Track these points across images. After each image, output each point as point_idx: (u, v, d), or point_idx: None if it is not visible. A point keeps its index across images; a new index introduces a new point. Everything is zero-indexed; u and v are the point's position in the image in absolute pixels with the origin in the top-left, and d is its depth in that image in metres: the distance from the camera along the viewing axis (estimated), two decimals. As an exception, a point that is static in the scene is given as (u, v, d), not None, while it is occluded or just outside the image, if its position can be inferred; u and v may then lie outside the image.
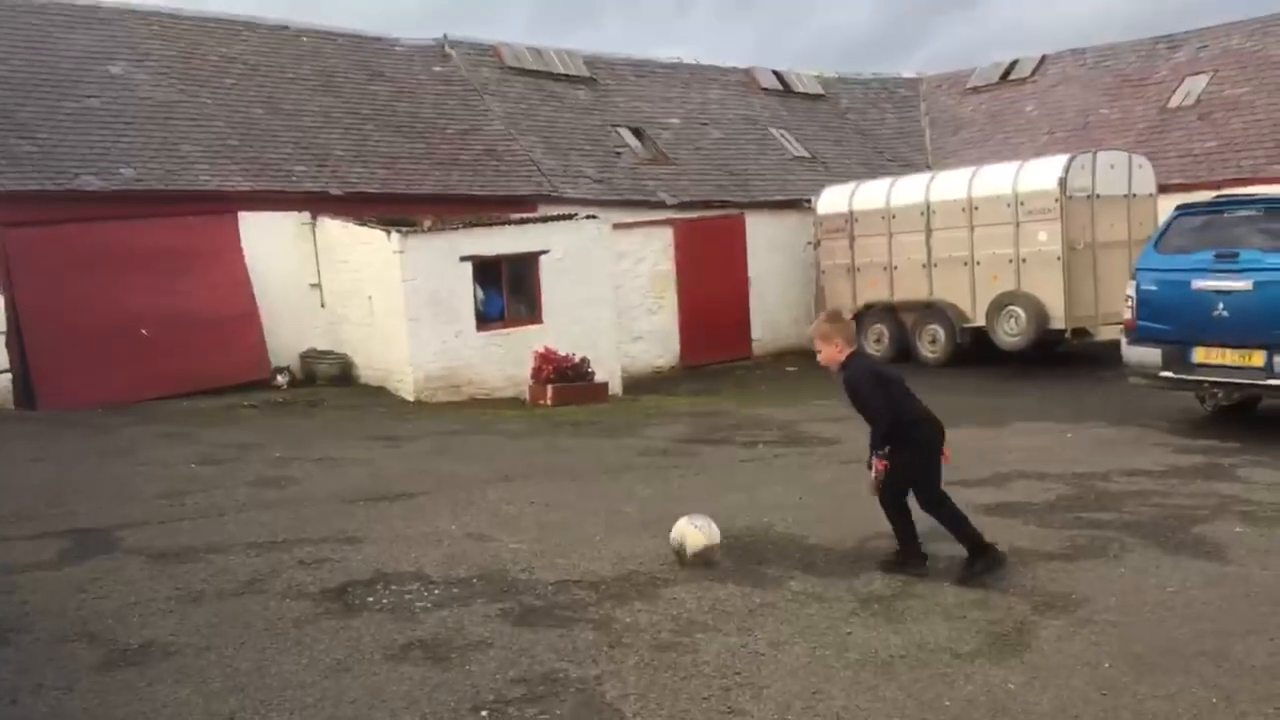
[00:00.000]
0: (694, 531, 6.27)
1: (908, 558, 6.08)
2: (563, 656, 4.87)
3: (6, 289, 13.57)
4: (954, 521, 6.01)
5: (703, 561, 6.21)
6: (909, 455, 5.96)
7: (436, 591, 5.85)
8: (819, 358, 6.13)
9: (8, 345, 13.54)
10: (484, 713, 4.27)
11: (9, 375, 13.49)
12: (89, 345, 13.77)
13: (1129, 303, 11.02)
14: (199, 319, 14.62)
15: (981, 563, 5.90)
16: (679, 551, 6.28)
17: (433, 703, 4.37)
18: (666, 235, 19.11)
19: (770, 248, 20.17)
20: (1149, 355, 10.75)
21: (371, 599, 5.75)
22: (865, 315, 18.50)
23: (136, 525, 7.45)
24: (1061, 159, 16.64)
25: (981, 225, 17.00)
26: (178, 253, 14.70)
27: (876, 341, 18.42)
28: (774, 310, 20.09)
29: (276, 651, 4.97)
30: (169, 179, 15.22)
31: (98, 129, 15.27)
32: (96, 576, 6.20)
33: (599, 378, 15.15)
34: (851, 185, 19.30)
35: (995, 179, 17.05)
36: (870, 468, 6.00)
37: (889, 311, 18.26)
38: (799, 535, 6.90)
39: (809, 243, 19.76)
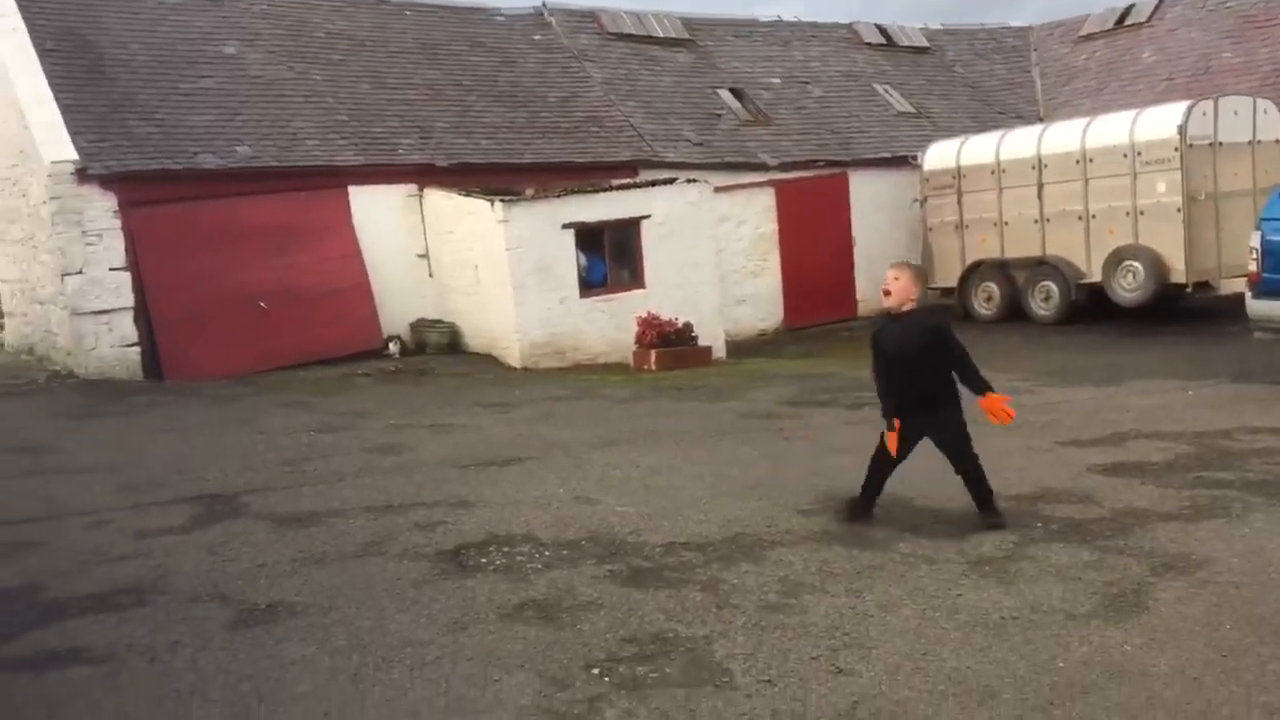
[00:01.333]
0: None
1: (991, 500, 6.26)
2: (672, 617, 4.94)
3: (133, 266, 14.14)
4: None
5: None
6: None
7: (547, 553, 5.98)
8: (893, 288, 6.12)
9: (135, 320, 14.14)
10: (596, 670, 4.37)
11: (138, 349, 14.09)
12: (210, 319, 14.30)
13: (1253, 254, 10.58)
14: (313, 292, 15.04)
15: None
16: None
17: (547, 660, 4.48)
18: (768, 197, 18.94)
19: (874, 206, 19.83)
20: (1275, 309, 10.32)
21: (485, 560, 5.90)
22: (974, 273, 18.13)
23: (260, 491, 7.75)
24: (1181, 106, 15.99)
25: (1096, 178, 16.46)
26: (292, 227, 15.13)
27: (987, 300, 18.03)
28: (879, 270, 19.67)
29: (396, 610, 5.15)
30: (283, 155, 15.65)
31: (213, 108, 15.75)
32: (225, 540, 6.48)
33: (702, 342, 15.16)
34: (959, 140, 18.85)
35: (1111, 129, 16.46)
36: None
37: (999, 269, 17.84)
38: (906, 497, 6.83)
39: (915, 200, 19.37)
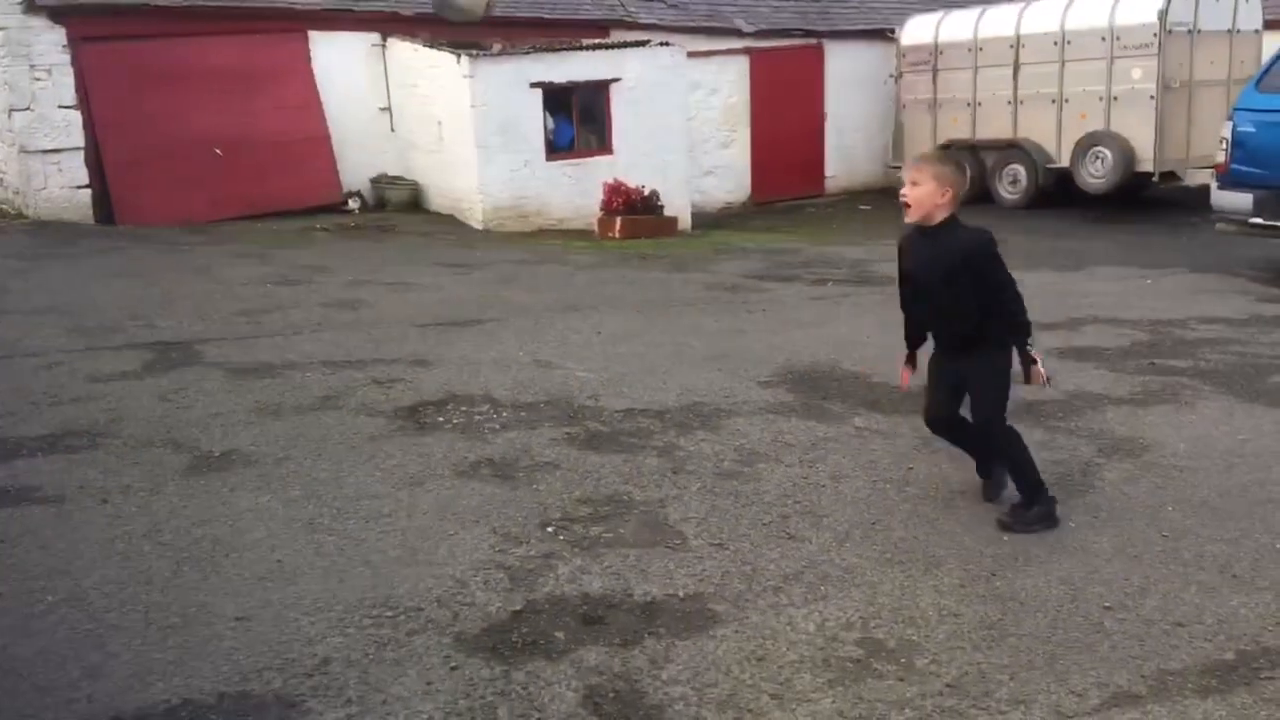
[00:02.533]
0: None
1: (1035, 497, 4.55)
2: (627, 480, 4.98)
3: (84, 105, 13.66)
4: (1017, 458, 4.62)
5: None
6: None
7: (504, 414, 5.98)
8: (910, 198, 4.39)
9: (86, 161, 13.72)
10: (550, 528, 4.41)
11: (89, 191, 13.72)
12: (164, 164, 13.90)
13: (1223, 145, 10.55)
14: (270, 140, 14.64)
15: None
16: None
17: (502, 517, 4.51)
18: (742, 65, 18.54)
19: (849, 81, 19.50)
20: (1240, 200, 10.35)
21: (442, 419, 5.89)
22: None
23: (215, 340, 7.65)
24: (1163, -11, 15.71)
25: (1073, 60, 16.25)
26: (249, 72, 14.63)
27: (953, 181, 17.94)
28: (850, 147, 19.57)
29: (352, 464, 5.15)
30: (240, -4, 15.02)
31: (167, -58, 15.00)
32: (179, 387, 6.42)
33: (668, 212, 15.00)
34: (939, 14, 18.45)
35: (1091, 11, 16.17)
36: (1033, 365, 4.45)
37: (969, 151, 17.65)
38: (865, 374, 6.89)
39: (890, 76, 19.08)
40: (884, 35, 19.44)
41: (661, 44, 16.18)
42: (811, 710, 3.13)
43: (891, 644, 3.50)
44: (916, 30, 18.42)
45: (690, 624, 3.61)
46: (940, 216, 4.41)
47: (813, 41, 19.35)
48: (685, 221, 15.64)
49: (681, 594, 3.84)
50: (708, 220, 16.60)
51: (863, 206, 18.29)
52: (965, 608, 3.74)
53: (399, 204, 15.70)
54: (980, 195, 17.38)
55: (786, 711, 3.12)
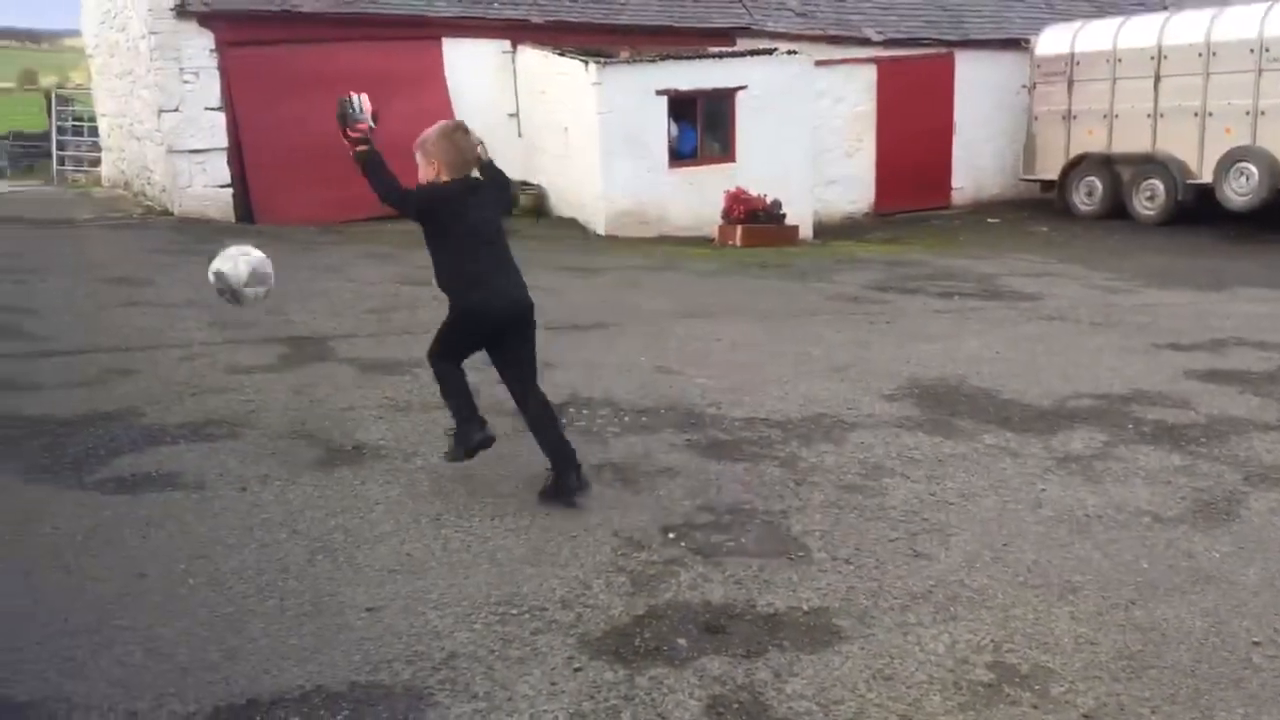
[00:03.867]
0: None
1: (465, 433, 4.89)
2: (749, 489, 4.94)
3: (228, 107, 14.21)
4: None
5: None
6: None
7: (626, 418, 6.00)
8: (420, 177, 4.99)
9: (229, 161, 14.27)
10: (672, 535, 4.40)
11: (230, 190, 14.26)
12: (301, 165, 14.35)
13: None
14: (403, 144, 14.92)
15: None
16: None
17: (623, 522, 4.52)
18: (869, 74, 18.31)
19: (980, 90, 19.07)
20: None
21: (565, 421, 5.90)
22: (1077, 167, 17.48)
23: (347, 337, 7.87)
24: (1319, 0, 15.00)
25: (1218, 73, 15.61)
26: (385, 77, 14.94)
27: (1088, 195, 17.42)
28: (979, 158, 19.14)
29: (477, 461, 5.20)
30: (379, 3, 15.45)
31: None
32: (313, 382, 6.61)
33: (790, 220, 14.89)
34: (1076, 24, 17.96)
35: (1239, 22, 15.52)
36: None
37: (1104, 164, 17.17)
38: (994, 390, 6.72)
39: (1023, 86, 18.61)
40: (1018, 45, 18.99)
41: (789, 52, 16.09)
42: (941, 733, 3.05)
43: (1025, 669, 3.39)
44: (1052, 40, 17.94)
45: (815, 638, 3.56)
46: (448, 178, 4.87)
47: (943, 50, 19.00)
48: (807, 231, 15.51)
49: (805, 607, 3.79)
50: (829, 230, 16.43)
51: (991, 220, 17.88)
52: (1103, 636, 3.60)
53: (524, 208, 15.90)
54: (1115, 210, 16.86)
55: (915, 733, 3.05)
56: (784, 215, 14.74)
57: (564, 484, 4.71)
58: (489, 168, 5.16)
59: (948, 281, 11.38)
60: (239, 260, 5.09)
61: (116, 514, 4.46)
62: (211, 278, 5.07)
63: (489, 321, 4.92)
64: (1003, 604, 3.83)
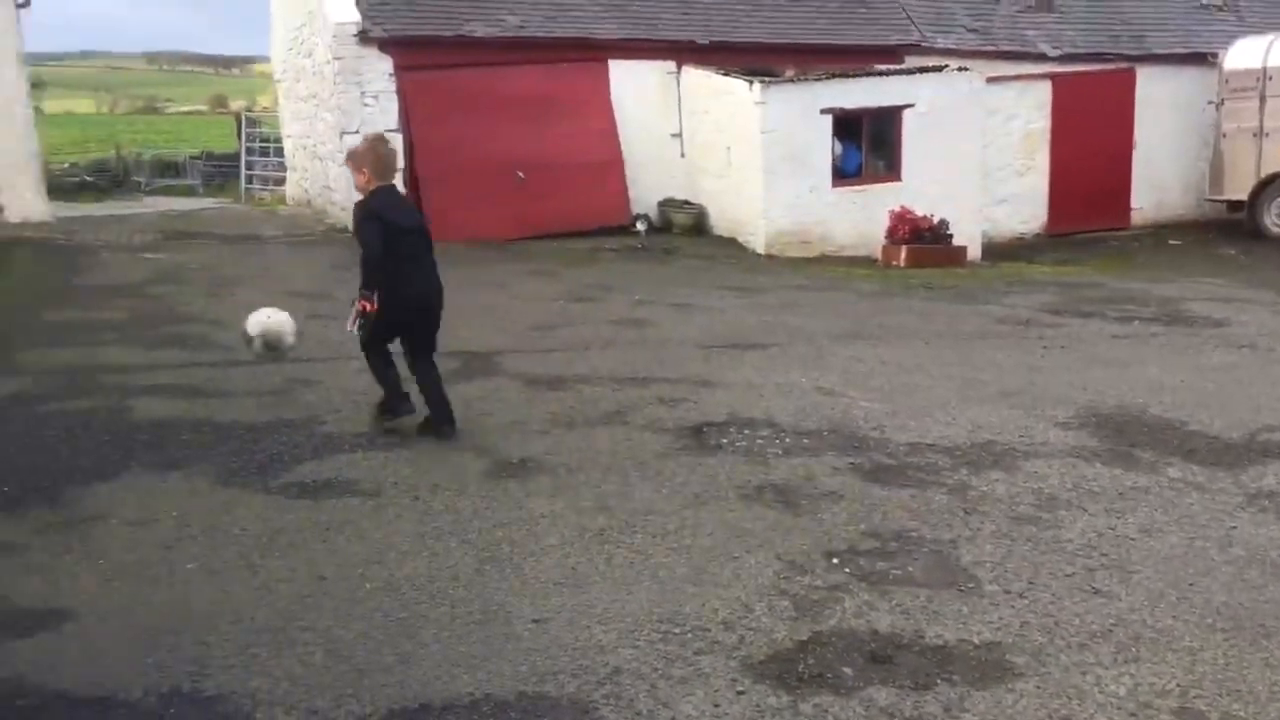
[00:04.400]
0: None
1: (393, 404, 5.94)
2: (915, 516, 4.83)
3: (405, 129, 14.77)
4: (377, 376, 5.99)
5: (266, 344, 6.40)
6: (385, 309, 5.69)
7: (787, 440, 5.95)
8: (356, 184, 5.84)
9: (405, 182, 14.81)
10: (836, 560, 4.33)
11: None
12: (468, 184, 14.80)
13: None
14: (567, 164, 15.29)
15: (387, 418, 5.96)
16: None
17: (786, 545, 4.48)
18: (1043, 91, 17.70)
19: (1162, 107, 18.21)
20: None
21: (725, 440, 5.93)
22: (1269, 186, 16.50)
23: (513, 352, 8.06)
24: None
25: None
26: (551, 99, 15.36)
27: (1279, 216, 16.43)
28: (1160, 177, 18.27)
29: (639, 479, 5.26)
30: (548, 26, 15.82)
31: (485, -23, 16.02)
32: (481, 395, 6.79)
33: (957, 241, 14.50)
34: (1269, 38, 16.97)
35: None
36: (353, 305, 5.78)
37: (1299, 183, 16.17)
38: (1178, 420, 6.38)
39: (1210, 102, 17.69)
40: (1204, 59, 18.07)
41: (959, 69, 15.72)
42: (1123, 781, 2.90)
43: (1214, 717, 3.20)
44: (1243, 54, 17.01)
45: (986, 674, 3.44)
46: (370, 189, 5.68)
47: (1123, 66, 18.24)
48: (975, 252, 15.09)
49: (976, 641, 3.67)
50: (998, 251, 15.95)
51: (1173, 241, 17.03)
52: (1303, 688, 3.37)
53: (683, 227, 16.00)
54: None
55: (1095, 779, 2.91)
56: (951, 235, 14.38)
57: (438, 428, 5.86)
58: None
59: (1126, 305, 10.89)
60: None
61: (299, 518, 4.67)
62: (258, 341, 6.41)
63: (410, 312, 5.85)
64: (1189, 647, 3.63)
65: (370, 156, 5.77)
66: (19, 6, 15.95)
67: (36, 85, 19.16)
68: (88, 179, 26.24)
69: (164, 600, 3.84)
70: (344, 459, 5.48)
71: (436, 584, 4.03)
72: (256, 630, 3.63)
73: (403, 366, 6.02)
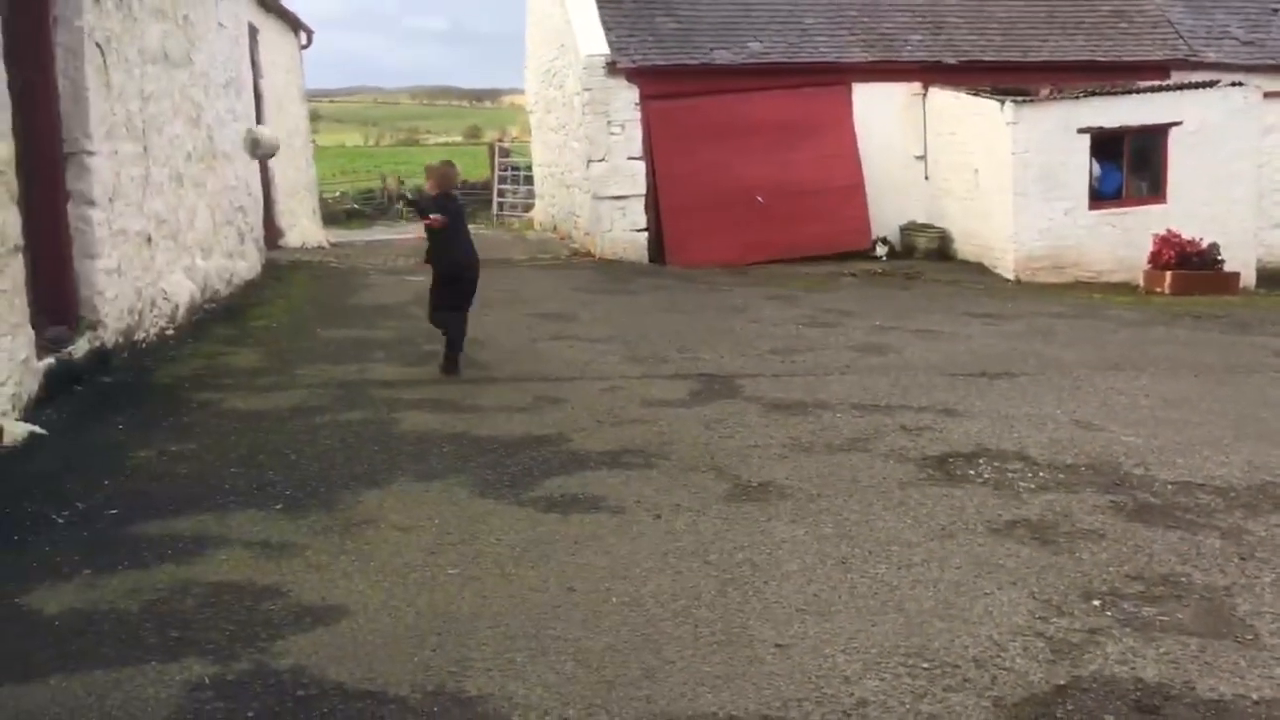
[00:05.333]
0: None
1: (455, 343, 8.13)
2: (1185, 560, 4.52)
3: (647, 156, 15.14)
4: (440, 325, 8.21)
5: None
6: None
7: (1041, 474, 5.70)
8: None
9: (646, 208, 15.18)
10: (1096, 602, 4.11)
11: (645, 234, 15.16)
12: (710, 210, 15.00)
13: None
14: (808, 189, 15.25)
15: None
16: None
17: (1041, 583, 4.29)
18: (1330, 104, 16.29)
19: None
20: None
21: (973, 472, 5.74)
22: None
23: (752, 376, 8.08)
24: None
25: None
26: (793, 124, 15.37)
27: None
28: None
29: (882, 508, 5.17)
30: (791, 51, 15.87)
31: (730, 4, 16.25)
32: (721, 418, 6.84)
33: (1229, 267, 13.54)
34: None
35: None
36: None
37: None
38: None
39: None
40: None
41: (1233, 84, 14.68)
42: None
43: None
44: None
45: (1270, 734, 3.18)
46: (434, 193, 8.36)
47: None
48: (1248, 278, 14.02)
49: (1255, 697, 3.40)
50: (1276, 278, 14.74)
51: None
52: None
53: (926, 251, 15.65)
54: None
55: None
56: (1222, 261, 13.42)
57: (445, 360, 8.07)
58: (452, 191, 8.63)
59: None
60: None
61: (550, 531, 4.84)
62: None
63: (456, 273, 8.09)
64: None
65: (436, 174, 8.48)
66: (302, 48, 17.40)
67: (312, 119, 20.81)
68: (356, 206, 28.27)
69: (428, 602, 4.07)
70: (590, 475, 5.65)
71: (679, 602, 4.09)
72: (512, 636, 3.79)
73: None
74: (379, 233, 21.68)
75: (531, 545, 4.67)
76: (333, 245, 17.07)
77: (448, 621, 3.90)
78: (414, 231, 21.02)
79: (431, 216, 7.89)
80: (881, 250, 15.58)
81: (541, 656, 3.64)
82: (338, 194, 30.17)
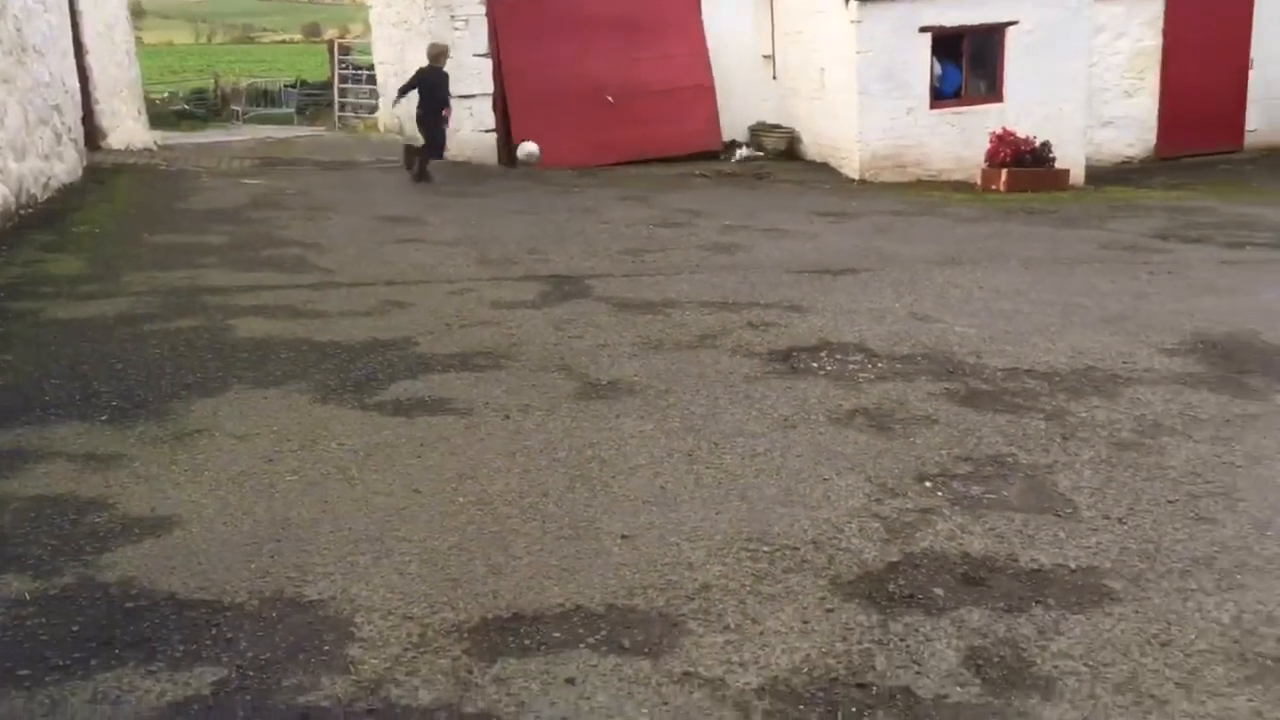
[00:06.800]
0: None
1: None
2: (1011, 442, 4.73)
3: (494, 54, 14.72)
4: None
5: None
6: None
7: (880, 365, 5.86)
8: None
9: (494, 107, 14.81)
10: (928, 483, 4.28)
11: (494, 134, 14.82)
12: (559, 110, 14.74)
13: None
14: (657, 89, 15.12)
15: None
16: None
17: (876, 468, 4.43)
18: (1155, 7, 16.88)
19: (1281, 23, 17.29)
20: None
21: (816, 365, 5.87)
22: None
23: (603, 276, 8.05)
24: None
25: None
26: (644, 22, 15.15)
27: None
28: (1277, 97, 17.41)
29: (728, 401, 5.24)
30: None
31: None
32: (571, 318, 6.81)
33: (1060, 164, 14.05)
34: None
35: None
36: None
37: None
38: (1292, 347, 6.14)
39: (1336, 15, 16.73)
40: (1330, -30, 17.04)
41: (1065, -15, 15.07)
42: (1224, 706, 2.84)
43: (1324, 649, 3.10)
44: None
45: (1083, 598, 3.38)
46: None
47: (1241, -21, 17.30)
48: (1078, 175, 14.60)
49: (1073, 565, 3.60)
50: (1104, 175, 15.42)
51: (1289, 164, 16.28)
52: None
53: (775, 151, 15.77)
54: None
55: (1194, 703, 2.84)
56: (1054, 159, 13.92)
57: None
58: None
59: (1239, 231, 10.45)
60: None
61: (395, 434, 4.75)
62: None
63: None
64: (1301, 576, 3.52)
65: (430, 53, 12.66)
66: (118, -65, 16.16)
67: (135, 14, 19.52)
68: (187, 107, 26.81)
69: (266, 510, 3.95)
70: (437, 378, 5.56)
71: (527, 499, 4.09)
72: (355, 540, 3.72)
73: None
74: (213, 135, 20.61)
75: (376, 449, 4.58)
76: (161, 148, 16.15)
77: (287, 528, 3.80)
78: (248, 134, 20.15)
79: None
80: (743, 153, 15.63)
81: (385, 558, 3.59)
82: (166, 94, 28.51)
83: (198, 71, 35.17)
